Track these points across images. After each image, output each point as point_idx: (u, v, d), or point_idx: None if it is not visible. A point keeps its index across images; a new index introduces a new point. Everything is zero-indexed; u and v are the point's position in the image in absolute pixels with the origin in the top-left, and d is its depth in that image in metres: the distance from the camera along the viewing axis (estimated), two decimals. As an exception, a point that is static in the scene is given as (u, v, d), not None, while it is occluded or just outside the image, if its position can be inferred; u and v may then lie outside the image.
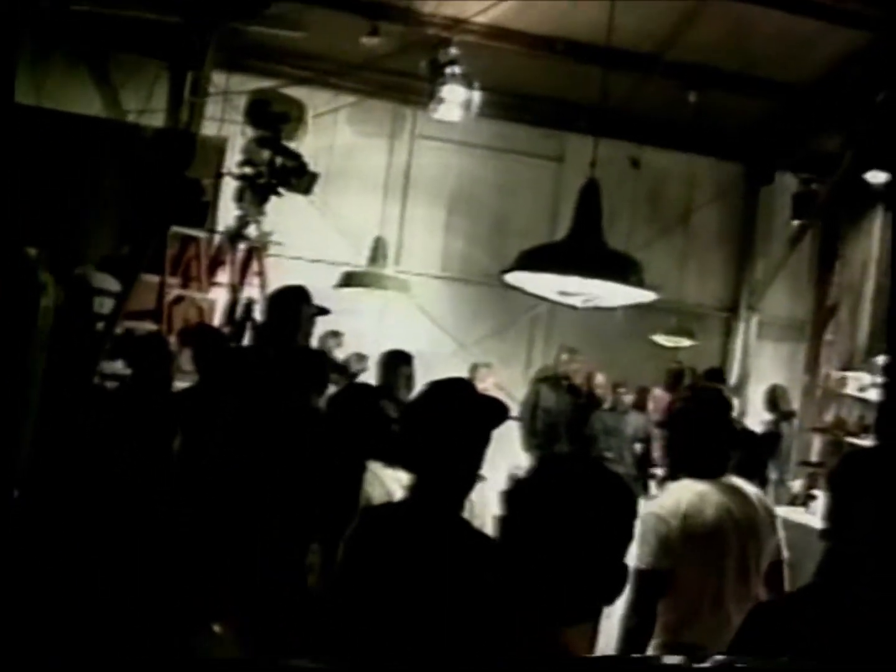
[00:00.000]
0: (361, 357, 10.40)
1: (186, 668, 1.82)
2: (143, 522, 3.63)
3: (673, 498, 4.31)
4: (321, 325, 10.38)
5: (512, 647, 2.14)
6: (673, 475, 4.51)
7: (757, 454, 6.57)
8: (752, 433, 7.37)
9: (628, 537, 2.24)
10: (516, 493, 2.27)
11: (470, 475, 3.31)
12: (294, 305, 6.22)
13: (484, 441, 3.31)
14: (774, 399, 11.68)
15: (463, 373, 11.09)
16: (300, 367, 5.44)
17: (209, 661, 1.95)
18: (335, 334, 10.52)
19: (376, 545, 3.25)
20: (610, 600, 2.21)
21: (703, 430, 4.45)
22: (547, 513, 2.18)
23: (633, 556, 4.04)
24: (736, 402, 10.97)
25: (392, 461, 4.48)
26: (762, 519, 4.35)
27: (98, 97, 11.90)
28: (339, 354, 10.16)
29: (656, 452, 11.05)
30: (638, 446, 11.07)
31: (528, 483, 2.29)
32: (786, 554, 4.35)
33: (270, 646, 2.34)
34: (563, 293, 6.99)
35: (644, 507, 3.75)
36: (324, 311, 6.35)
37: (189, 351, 6.96)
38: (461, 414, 3.31)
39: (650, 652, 3.98)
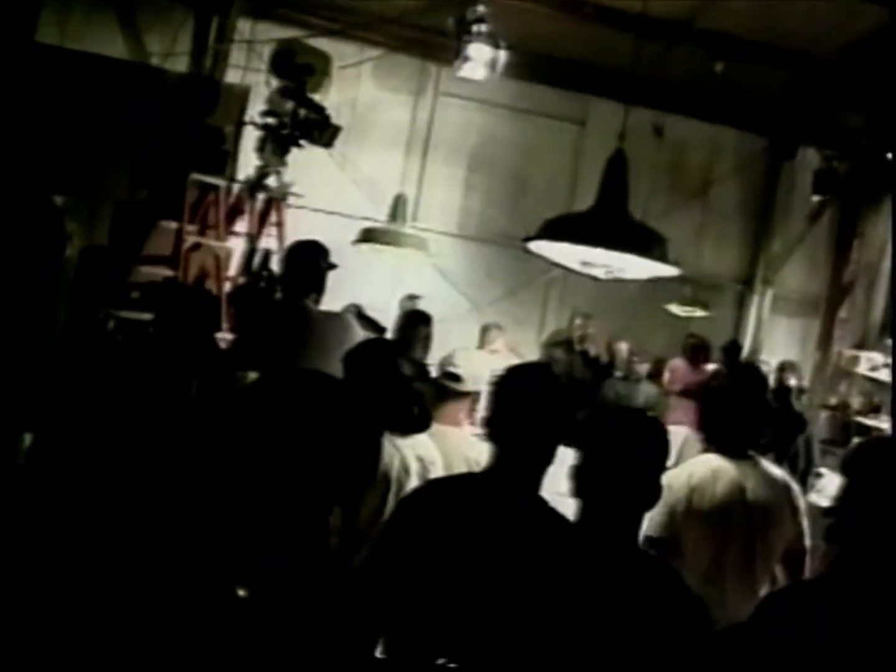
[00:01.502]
0: (413, 297, 10.60)
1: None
2: (158, 489, 3.61)
3: (687, 471, 4.37)
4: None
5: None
6: (706, 449, 4.52)
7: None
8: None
9: (664, 462, 3.04)
10: (590, 439, 3.04)
11: (550, 454, 3.39)
12: (313, 259, 6.24)
13: (565, 424, 3.39)
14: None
15: (475, 333, 11.11)
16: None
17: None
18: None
19: (446, 515, 3.31)
20: (651, 506, 3.05)
21: (734, 407, 4.44)
22: (612, 449, 2.99)
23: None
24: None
25: (413, 430, 4.48)
26: (779, 504, 4.34)
27: (122, 39, 11.79)
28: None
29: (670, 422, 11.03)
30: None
31: (597, 431, 3.08)
32: (808, 542, 4.33)
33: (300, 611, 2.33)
34: (585, 263, 6.95)
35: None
36: (332, 266, 6.37)
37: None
38: (556, 396, 3.41)
39: None
